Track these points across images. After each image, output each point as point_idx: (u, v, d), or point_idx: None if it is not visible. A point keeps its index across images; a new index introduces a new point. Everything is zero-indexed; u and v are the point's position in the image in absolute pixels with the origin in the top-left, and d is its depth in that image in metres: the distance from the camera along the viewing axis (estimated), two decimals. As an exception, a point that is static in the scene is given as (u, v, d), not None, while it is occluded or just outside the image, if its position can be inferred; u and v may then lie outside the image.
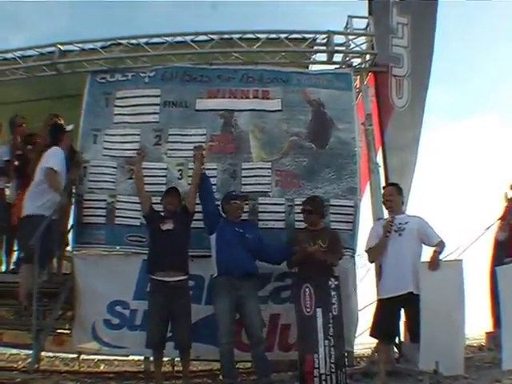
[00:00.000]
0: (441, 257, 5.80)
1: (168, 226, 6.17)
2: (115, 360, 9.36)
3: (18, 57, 7.57)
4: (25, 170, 7.12)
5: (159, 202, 6.43)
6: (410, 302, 5.64)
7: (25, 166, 7.17)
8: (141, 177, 6.56)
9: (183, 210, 6.38)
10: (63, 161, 6.66)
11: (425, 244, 5.92)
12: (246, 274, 5.97)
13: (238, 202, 6.36)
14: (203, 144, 6.89)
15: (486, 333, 8.53)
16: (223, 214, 6.34)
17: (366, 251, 6.15)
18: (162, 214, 6.38)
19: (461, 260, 5.83)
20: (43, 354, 7.39)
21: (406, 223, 5.89)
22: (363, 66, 7.59)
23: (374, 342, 6.45)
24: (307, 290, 5.87)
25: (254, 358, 6.10)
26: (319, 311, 5.80)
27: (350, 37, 7.50)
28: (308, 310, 5.84)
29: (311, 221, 6.36)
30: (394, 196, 6.14)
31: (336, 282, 5.93)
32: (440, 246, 5.83)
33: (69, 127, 6.95)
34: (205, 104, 7.14)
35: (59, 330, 7.62)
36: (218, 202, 6.47)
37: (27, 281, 6.28)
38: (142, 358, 7.58)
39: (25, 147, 7.35)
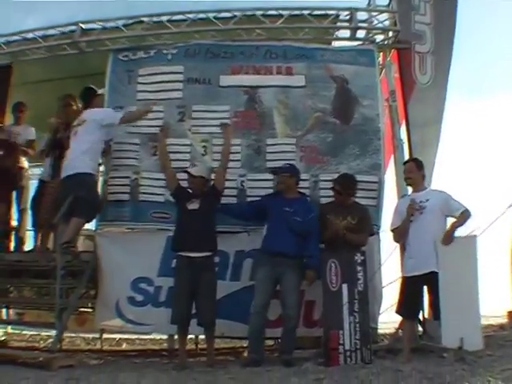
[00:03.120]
0: (465, 228, 5.78)
1: (194, 205, 6.15)
2: (137, 339, 9.39)
3: (40, 36, 7.54)
4: None
5: (185, 178, 6.36)
6: (433, 279, 5.61)
7: None
8: (166, 154, 6.56)
9: (212, 189, 6.34)
10: None
11: (450, 216, 5.87)
12: (285, 254, 5.94)
13: (276, 176, 6.40)
14: (228, 121, 6.89)
15: (508, 312, 8.52)
16: None
17: (392, 230, 6.16)
18: (190, 191, 6.33)
19: (475, 236, 5.74)
20: (64, 334, 7.39)
21: (427, 200, 5.85)
22: (386, 42, 7.52)
23: (396, 319, 6.46)
24: (333, 265, 5.87)
25: (282, 334, 6.10)
26: (345, 287, 5.82)
27: (373, 13, 7.44)
28: (334, 285, 5.85)
29: (339, 200, 6.36)
30: (413, 172, 6.12)
31: (362, 257, 5.93)
32: (462, 216, 5.76)
33: (100, 91, 6.95)
34: (228, 80, 7.10)
35: (81, 309, 7.61)
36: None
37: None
38: (164, 336, 7.59)
39: None
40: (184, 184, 6.38)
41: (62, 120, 7.27)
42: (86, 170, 6.45)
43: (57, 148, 7.17)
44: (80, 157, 6.47)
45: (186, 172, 6.27)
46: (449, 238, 5.67)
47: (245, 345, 7.73)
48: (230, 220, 6.57)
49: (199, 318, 5.99)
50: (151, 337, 9.12)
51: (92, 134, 6.55)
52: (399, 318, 6.24)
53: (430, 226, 5.77)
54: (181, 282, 6.00)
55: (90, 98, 6.82)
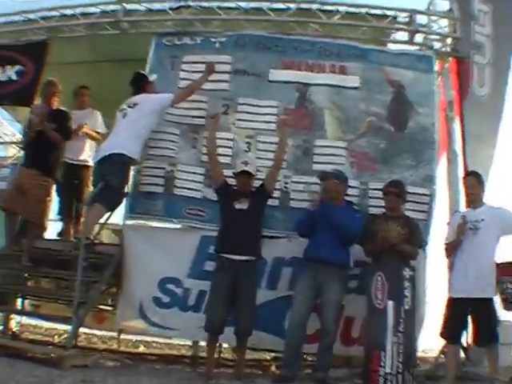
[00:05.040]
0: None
1: (242, 205, 5.76)
2: (154, 342, 9.04)
3: (79, 13, 7.23)
4: None
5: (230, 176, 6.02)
6: (484, 305, 5.39)
7: None
8: (214, 144, 6.18)
9: (261, 190, 5.94)
10: None
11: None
12: (327, 262, 5.57)
13: (325, 181, 5.93)
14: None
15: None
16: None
17: (445, 244, 5.83)
18: (236, 188, 5.95)
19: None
20: (81, 330, 7.02)
21: (483, 220, 5.54)
22: (444, 49, 7.18)
23: (434, 344, 6.26)
24: (379, 278, 5.52)
25: (318, 350, 5.67)
26: (391, 304, 5.42)
27: (433, 18, 7.10)
28: (379, 302, 5.48)
29: (394, 204, 5.91)
30: (474, 188, 5.83)
31: (411, 273, 5.58)
32: None
33: (153, 76, 6.59)
34: (279, 75, 6.71)
35: (101, 306, 7.17)
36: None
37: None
38: (182, 342, 7.23)
39: None
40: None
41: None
42: (122, 150, 6.09)
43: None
44: (122, 139, 6.16)
45: (244, 172, 5.86)
46: None
47: (268, 357, 7.39)
48: (269, 223, 6.16)
49: (236, 326, 5.57)
50: (169, 341, 8.75)
51: (142, 119, 6.21)
52: (437, 343, 6.01)
53: (483, 249, 5.53)
54: (220, 285, 5.60)
55: (141, 85, 6.45)
